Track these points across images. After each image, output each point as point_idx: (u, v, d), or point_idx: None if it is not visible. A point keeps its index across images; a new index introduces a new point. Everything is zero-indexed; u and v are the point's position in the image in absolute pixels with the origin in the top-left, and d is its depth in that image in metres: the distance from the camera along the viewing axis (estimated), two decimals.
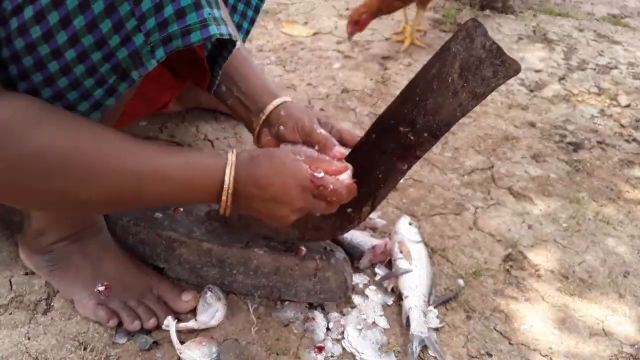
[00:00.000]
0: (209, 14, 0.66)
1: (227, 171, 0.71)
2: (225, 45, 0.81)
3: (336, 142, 0.82)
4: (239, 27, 1.10)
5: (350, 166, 0.78)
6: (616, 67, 2.05)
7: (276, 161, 0.73)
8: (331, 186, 0.74)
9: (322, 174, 0.74)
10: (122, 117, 1.11)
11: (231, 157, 0.72)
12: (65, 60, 0.61)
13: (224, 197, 0.71)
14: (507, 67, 0.66)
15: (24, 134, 0.59)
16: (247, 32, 1.12)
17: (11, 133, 0.58)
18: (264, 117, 0.89)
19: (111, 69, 0.64)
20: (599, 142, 1.57)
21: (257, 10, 1.14)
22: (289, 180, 0.72)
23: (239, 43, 0.91)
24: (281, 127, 0.87)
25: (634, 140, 1.59)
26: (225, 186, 0.71)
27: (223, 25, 0.69)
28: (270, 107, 0.89)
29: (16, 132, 0.58)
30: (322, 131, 0.84)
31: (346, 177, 0.76)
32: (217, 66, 0.85)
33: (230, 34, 0.70)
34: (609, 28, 2.45)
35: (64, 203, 0.68)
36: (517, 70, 0.67)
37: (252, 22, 1.14)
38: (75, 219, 0.89)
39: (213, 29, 0.66)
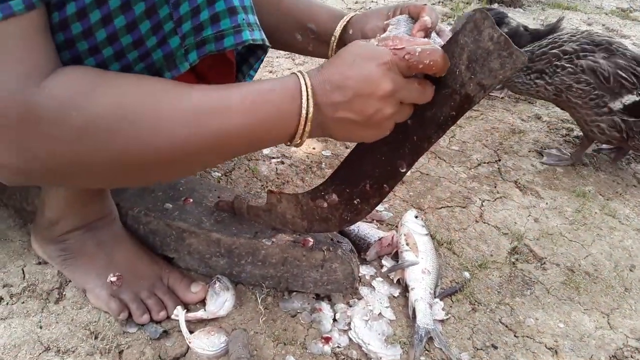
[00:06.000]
0: (243, 19, 0.66)
1: (301, 82, 0.63)
2: (254, 51, 0.80)
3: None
4: None
5: (429, 41, 0.67)
6: None
7: (347, 54, 0.64)
8: (418, 49, 0.63)
9: (403, 45, 0.63)
10: None
11: (300, 74, 0.65)
12: (102, 57, 0.62)
13: (303, 111, 0.63)
14: (514, 59, 0.67)
15: (81, 103, 0.57)
16: None
17: (69, 105, 0.57)
18: (335, 41, 0.85)
19: (145, 68, 0.65)
20: None
21: None
22: (368, 64, 0.62)
23: None
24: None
25: None
26: (304, 102, 0.63)
27: (257, 30, 0.69)
28: (338, 29, 0.84)
29: (73, 103, 0.57)
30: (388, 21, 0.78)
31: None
32: (245, 68, 0.83)
33: (263, 39, 0.69)
34: (617, 22, 2.44)
35: (130, 167, 0.63)
36: (524, 62, 0.67)
37: None
38: (90, 208, 0.90)
39: (246, 35, 0.66)
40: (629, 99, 1.23)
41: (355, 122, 0.65)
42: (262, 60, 0.80)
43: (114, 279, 0.88)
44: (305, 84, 0.63)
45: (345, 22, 0.86)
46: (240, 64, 0.84)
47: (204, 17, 0.64)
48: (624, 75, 1.23)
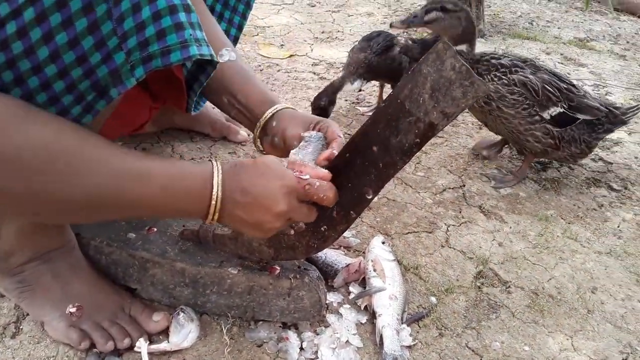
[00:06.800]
0: (190, 35, 0.67)
1: (215, 175, 0.71)
2: (204, 69, 0.82)
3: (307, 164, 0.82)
4: (226, 33, 1.09)
5: (329, 175, 0.78)
6: None
7: (260, 165, 0.73)
8: (317, 183, 0.74)
9: (307, 176, 0.74)
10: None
11: (216, 164, 0.72)
12: (45, 76, 0.61)
13: (213, 202, 0.70)
14: (476, 88, 0.68)
15: (2, 132, 0.57)
16: (236, 39, 1.13)
17: None
18: (260, 127, 0.91)
19: (90, 86, 0.64)
20: None
21: (244, 17, 1.15)
22: (274, 182, 0.71)
23: (235, 55, 0.93)
24: (275, 138, 0.89)
25: (600, 159, 1.64)
26: (215, 191, 0.70)
27: (205, 46, 0.70)
28: (264, 117, 0.91)
29: None
30: (294, 153, 0.83)
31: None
32: (195, 86, 0.85)
33: (211, 55, 0.70)
34: (575, 51, 2.53)
35: (41, 206, 0.64)
36: (485, 91, 0.69)
37: (239, 28, 1.13)
38: (46, 238, 0.88)
39: (193, 50, 0.67)
40: (555, 110, 1.36)
41: (245, 222, 0.73)
42: (210, 75, 0.81)
43: (73, 309, 0.86)
44: (218, 177, 0.71)
45: (272, 113, 0.91)
46: (191, 82, 0.85)
47: (149, 33, 0.64)
48: (549, 89, 1.35)
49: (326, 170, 0.78)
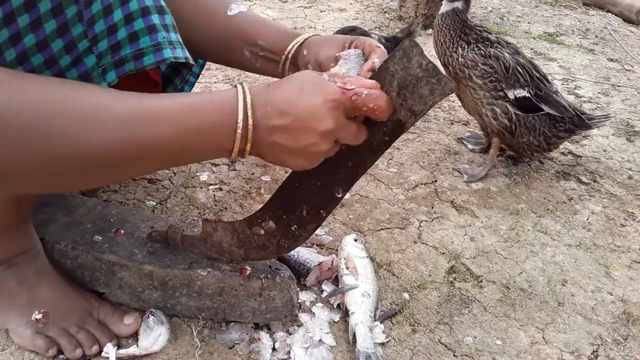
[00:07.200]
0: (164, 37, 0.65)
1: (240, 99, 0.62)
2: (178, 72, 0.80)
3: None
4: None
5: (378, 84, 0.68)
6: None
7: (297, 81, 0.64)
8: (365, 92, 0.64)
9: (353, 86, 0.64)
10: None
11: (242, 87, 0.63)
12: None
13: (239, 132, 0.62)
14: (442, 86, 0.68)
15: None
16: None
17: None
18: (287, 60, 0.84)
19: None
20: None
21: None
22: (316, 97, 0.62)
23: (244, 7, 0.89)
24: (309, 66, 0.82)
25: (570, 153, 1.66)
26: (240, 118, 0.61)
27: (179, 48, 0.68)
28: (291, 48, 0.84)
29: None
30: (336, 67, 0.76)
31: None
32: (169, 91, 0.83)
33: (186, 57, 0.68)
34: (544, 46, 2.56)
35: (50, 171, 0.58)
36: (452, 88, 0.69)
37: None
38: (11, 242, 0.85)
39: (167, 53, 0.65)
40: (520, 92, 1.39)
41: (288, 149, 0.65)
42: (185, 78, 0.78)
43: (39, 316, 0.83)
44: (245, 101, 0.62)
45: (299, 42, 0.85)
46: (165, 85, 0.83)
47: (121, 36, 0.63)
48: (521, 71, 1.39)
49: (373, 80, 0.69)
